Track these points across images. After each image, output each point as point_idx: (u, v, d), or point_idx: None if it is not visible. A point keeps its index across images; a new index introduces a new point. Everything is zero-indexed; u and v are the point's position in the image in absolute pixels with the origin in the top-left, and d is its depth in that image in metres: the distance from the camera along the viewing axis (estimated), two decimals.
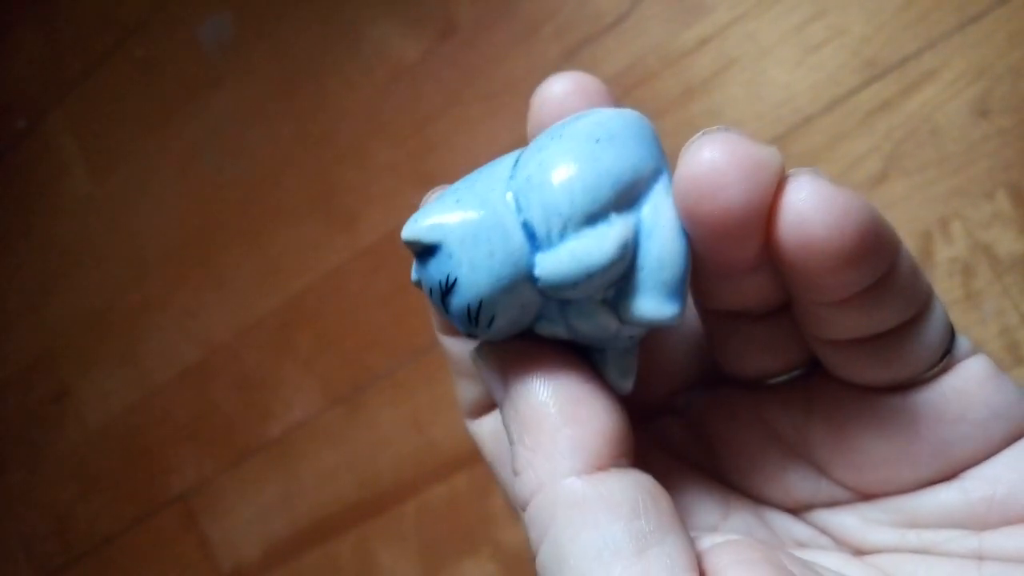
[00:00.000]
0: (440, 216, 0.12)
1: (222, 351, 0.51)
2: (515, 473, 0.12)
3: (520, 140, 0.13)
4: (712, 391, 0.16)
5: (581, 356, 0.13)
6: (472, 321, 0.12)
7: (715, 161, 0.11)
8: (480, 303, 0.12)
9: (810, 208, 0.11)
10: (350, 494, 0.47)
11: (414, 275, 0.13)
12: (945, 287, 0.34)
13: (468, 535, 0.43)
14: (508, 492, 0.16)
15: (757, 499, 0.15)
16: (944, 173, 0.34)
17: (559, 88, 0.13)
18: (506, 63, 0.43)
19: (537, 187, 0.12)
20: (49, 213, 0.58)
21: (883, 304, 0.12)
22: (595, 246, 0.11)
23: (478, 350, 0.14)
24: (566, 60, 0.41)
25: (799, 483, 0.14)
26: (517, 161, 0.12)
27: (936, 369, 0.13)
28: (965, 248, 0.33)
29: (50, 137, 0.58)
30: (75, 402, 0.57)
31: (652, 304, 0.12)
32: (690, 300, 0.15)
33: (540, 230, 0.12)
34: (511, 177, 0.12)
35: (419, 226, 0.12)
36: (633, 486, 0.12)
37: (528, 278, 0.12)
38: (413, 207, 0.13)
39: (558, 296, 0.12)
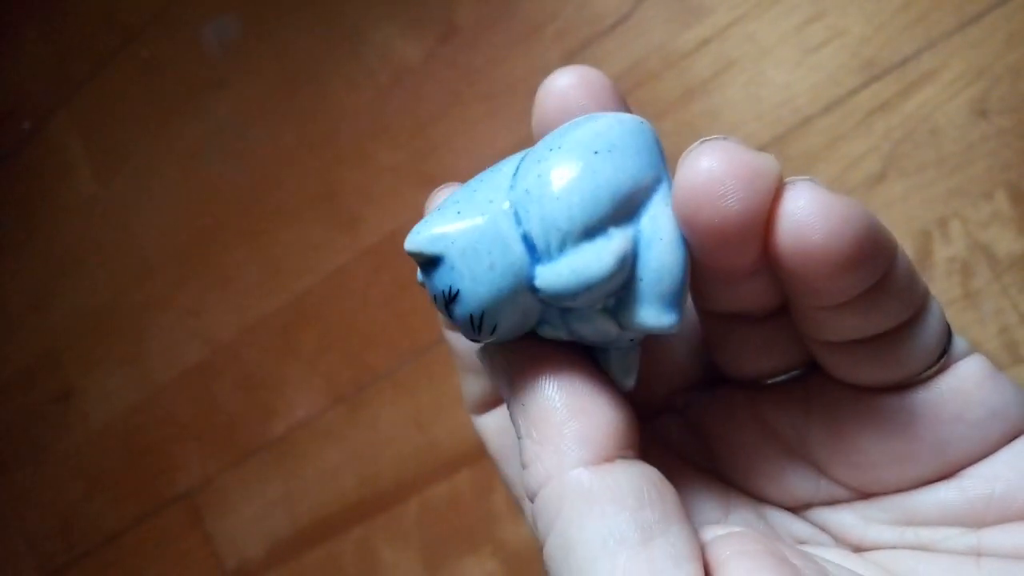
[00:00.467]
0: (442, 227, 0.12)
1: (225, 350, 0.51)
2: (523, 466, 0.13)
3: (521, 141, 0.13)
4: (711, 391, 0.16)
5: (585, 354, 0.13)
6: (475, 329, 0.12)
7: (713, 170, 0.11)
8: (483, 313, 0.12)
9: (808, 216, 0.11)
10: (352, 492, 0.47)
11: (420, 276, 0.13)
12: (944, 287, 0.34)
13: (470, 533, 0.43)
14: (512, 487, 0.16)
15: (757, 498, 0.15)
16: (943, 173, 0.34)
17: (563, 82, 0.13)
18: (507, 64, 0.43)
19: (536, 200, 0.12)
20: (53, 213, 0.59)
21: (880, 307, 0.12)
22: (594, 260, 0.12)
23: (484, 348, 0.14)
24: (567, 61, 0.41)
25: (798, 482, 0.14)
26: (517, 169, 0.12)
27: (933, 369, 0.13)
28: (964, 248, 0.34)
29: (55, 138, 0.59)
30: (79, 401, 0.57)
31: (652, 313, 0.12)
32: (689, 301, 0.15)
33: (540, 243, 0.12)
34: (511, 187, 0.12)
35: (421, 238, 0.12)
36: (639, 477, 0.12)
37: (529, 288, 0.12)
38: (415, 207, 0.13)
39: (559, 306, 0.12)
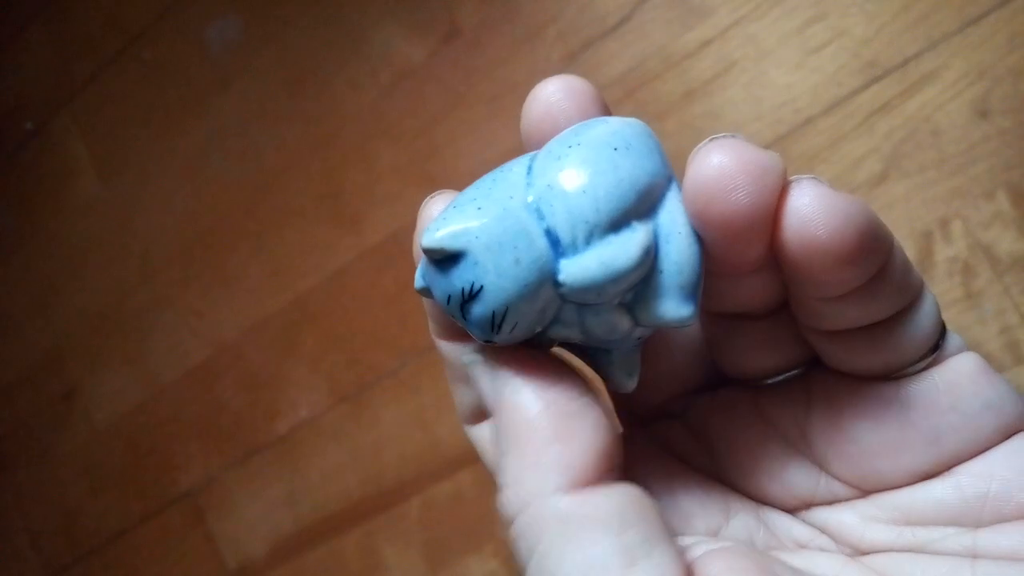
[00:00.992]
0: (464, 223, 0.12)
1: (229, 350, 0.52)
2: (501, 487, 0.12)
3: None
4: (712, 393, 0.16)
5: (573, 368, 0.13)
6: (495, 328, 0.12)
7: (724, 165, 0.11)
8: (506, 309, 0.12)
9: (813, 212, 0.11)
10: (355, 491, 0.47)
11: (420, 282, 0.13)
12: (945, 287, 0.34)
13: (472, 532, 0.44)
14: None
15: (758, 498, 0.15)
16: (944, 174, 0.34)
17: (549, 90, 0.13)
18: (509, 65, 0.44)
19: (560, 195, 0.12)
20: (57, 214, 0.59)
21: (878, 297, 0.13)
22: (621, 252, 0.12)
23: (471, 361, 0.14)
24: (569, 62, 0.42)
25: (799, 479, 0.15)
26: (531, 167, 0.13)
27: (927, 360, 0.14)
28: (965, 248, 0.34)
29: (58, 139, 0.59)
30: (83, 400, 0.57)
31: (671, 306, 0.12)
32: None
33: (565, 237, 0.12)
34: (528, 184, 0.12)
35: (443, 234, 0.12)
36: (620, 500, 0.12)
37: (551, 284, 0.12)
38: (417, 208, 0.13)
39: (579, 300, 0.12)
